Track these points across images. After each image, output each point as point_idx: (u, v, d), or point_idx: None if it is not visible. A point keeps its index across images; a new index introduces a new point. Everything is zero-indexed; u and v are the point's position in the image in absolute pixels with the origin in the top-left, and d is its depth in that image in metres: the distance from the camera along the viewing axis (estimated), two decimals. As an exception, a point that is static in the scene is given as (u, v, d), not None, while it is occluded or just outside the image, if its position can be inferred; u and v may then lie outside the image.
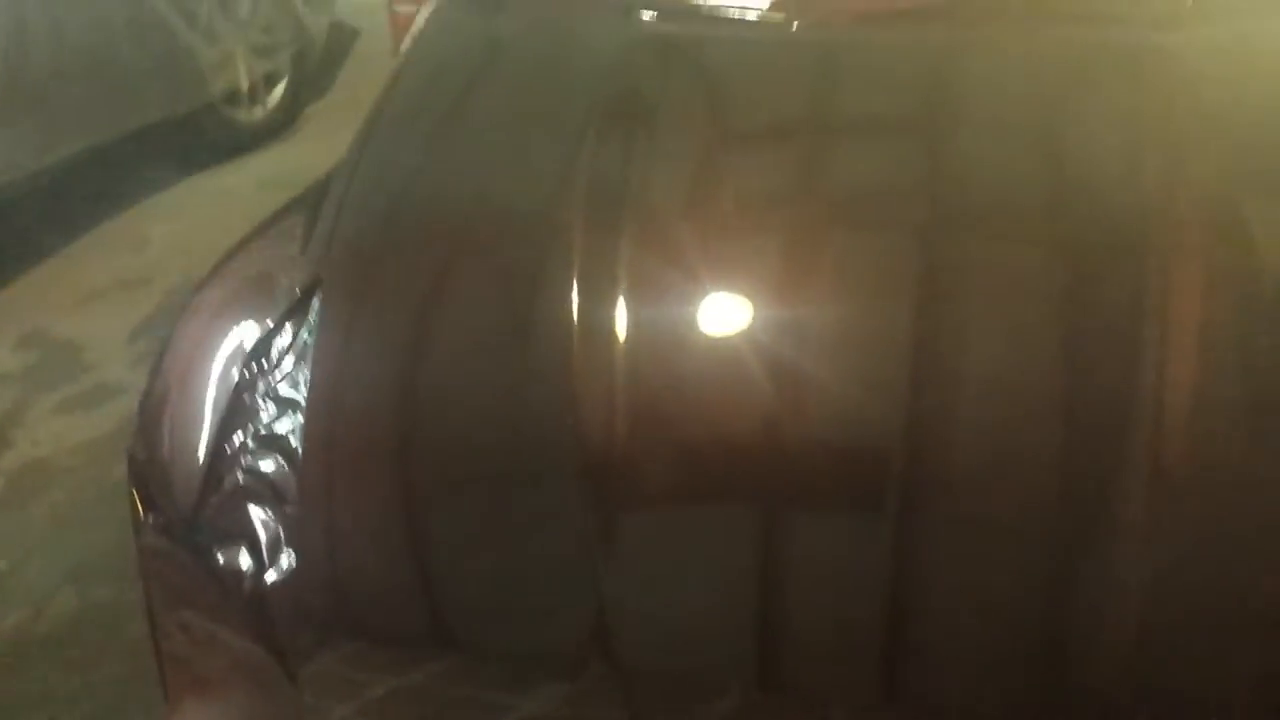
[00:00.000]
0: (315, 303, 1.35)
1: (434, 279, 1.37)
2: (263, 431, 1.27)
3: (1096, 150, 1.33)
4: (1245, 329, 1.14)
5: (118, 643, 2.12)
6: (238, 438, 1.28)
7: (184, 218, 3.76)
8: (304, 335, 1.33)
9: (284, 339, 1.34)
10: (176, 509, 1.27)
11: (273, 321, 1.36)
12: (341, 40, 4.98)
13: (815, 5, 1.59)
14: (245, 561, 1.19)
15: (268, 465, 1.25)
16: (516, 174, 1.48)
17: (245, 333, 1.37)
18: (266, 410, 1.28)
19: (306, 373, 1.29)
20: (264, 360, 1.33)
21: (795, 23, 1.57)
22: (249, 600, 1.17)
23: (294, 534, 1.17)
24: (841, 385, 1.14)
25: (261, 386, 1.31)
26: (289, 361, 1.31)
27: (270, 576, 1.16)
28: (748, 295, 1.24)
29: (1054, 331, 1.18)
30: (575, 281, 1.26)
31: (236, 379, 1.32)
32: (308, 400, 1.25)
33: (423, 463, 1.21)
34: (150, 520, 1.31)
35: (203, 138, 4.04)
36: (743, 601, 1.06)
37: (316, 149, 4.23)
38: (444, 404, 1.24)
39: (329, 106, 4.66)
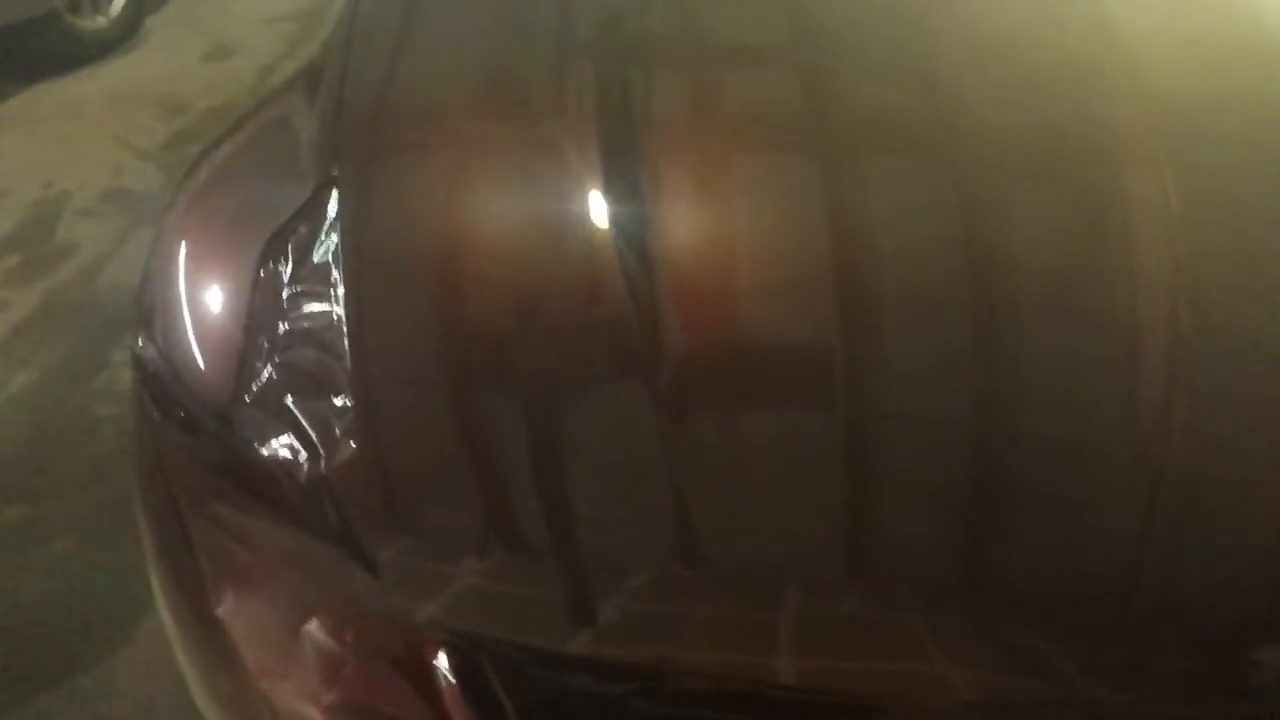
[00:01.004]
0: (332, 198, 1.34)
1: (460, 169, 1.37)
2: (296, 326, 1.26)
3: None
4: (1169, 231, 1.25)
5: (36, 560, 2.04)
6: (268, 332, 1.26)
7: (34, 128, 3.53)
8: (324, 231, 1.32)
9: (302, 235, 1.32)
10: (206, 405, 1.25)
11: (284, 218, 1.34)
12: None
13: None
14: (295, 453, 1.19)
15: (305, 358, 1.24)
16: (521, 77, 1.50)
17: (255, 230, 1.34)
18: (296, 305, 1.27)
19: (335, 268, 1.28)
20: (282, 256, 1.31)
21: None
22: (305, 491, 1.16)
23: (353, 423, 1.17)
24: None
25: (286, 281, 1.29)
26: (316, 256, 1.30)
27: (329, 466, 1.16)
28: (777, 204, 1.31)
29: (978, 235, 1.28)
30: (603, 171, 1.31)
31: (255, 274, 1.30)
32: (348, 294, 1.25)
33: (478, 358, 1.23)
34: (165, 419, 1.28)
35: (46, 46, 3.77)
36: (821, 496, 1.12)
37: (160, 61, 4.04)
38: (492, 293, 1.26)
39: (169, 19, 4.43)
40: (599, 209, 1.29)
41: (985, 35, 1.50)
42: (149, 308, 1.35)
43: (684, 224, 1.29)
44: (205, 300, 1.31)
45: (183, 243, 1.37)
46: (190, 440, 1.26)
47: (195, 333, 1.29)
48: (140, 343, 1.33)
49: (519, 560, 1.10)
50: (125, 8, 4.17)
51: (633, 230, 1.26)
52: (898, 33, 1.54)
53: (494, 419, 1.18)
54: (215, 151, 1.50)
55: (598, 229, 1.27)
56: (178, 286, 1.33)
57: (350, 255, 1.28)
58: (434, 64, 1.53)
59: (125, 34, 4.17)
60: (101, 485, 2.22)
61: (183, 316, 1.31)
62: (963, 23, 1.52)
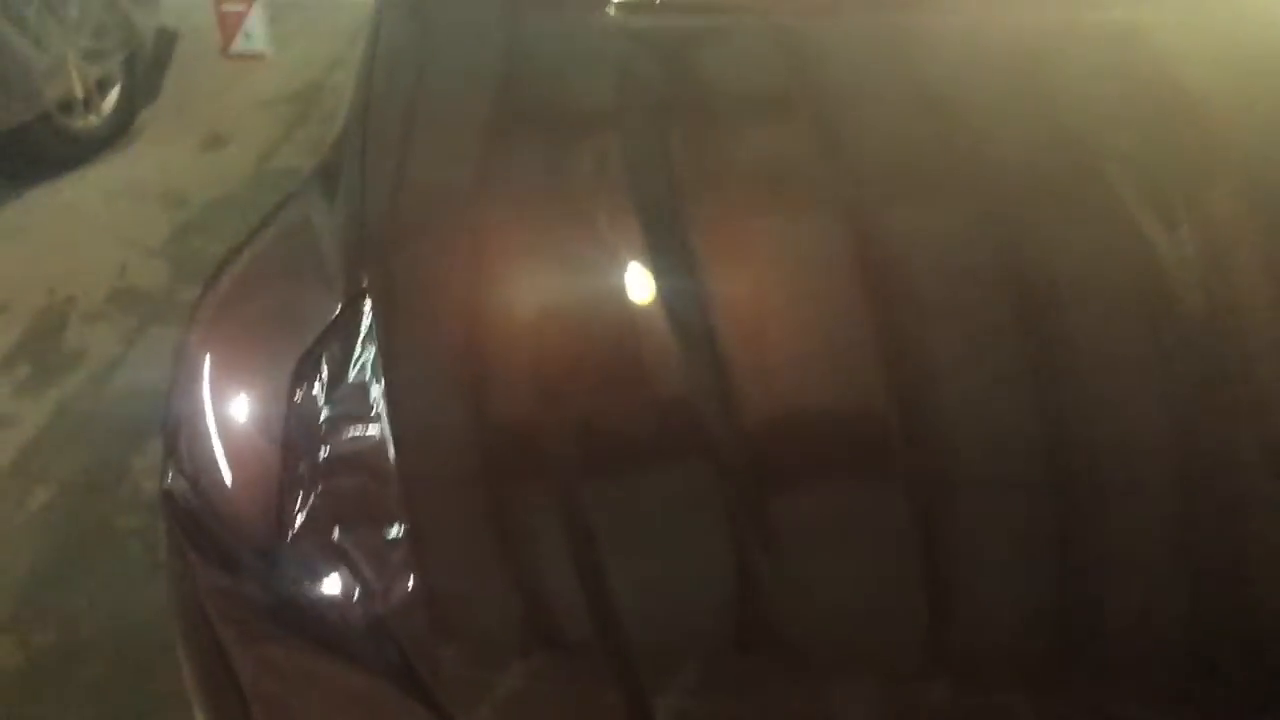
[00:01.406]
0: (365, 310, 1.28)
1: (497, 268, 1.32)
2: (337, 451, 1.20)
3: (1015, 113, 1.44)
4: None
5: (72, 686, 1.97)
6: (308, 459, 1.20)
7: (30, 236, 3.48)
8: (359, 345, 1.26)
9: (336, 351, 1.27)
10: (247, 543, 1.19)
11: (315, 334, 1.28)
12: (162, 43, 4.71)
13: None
14: (347, 591, 1.12)
15: (350, 486, 1.18)
16: (543, 156, 1.45)
17: (285, 348, 1.29)
18: (336, 428, 1.21)
19: (375, 385, 1.22)
20: (316, 376, 1.25)
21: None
22: (362, 630, 1.10)
23: (408, 553, 1.11)
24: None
25: (320, 403, 1.23)
26: (352, 374, 1.24)
27: (385, 603, 1.10)
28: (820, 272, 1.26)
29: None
30: (646, 253, 1.26)
31: (290, 397, 1.24)
32: (392, 412, 1.19)
33: (537, 460, 1.17)
34: (203, 558, 1.22)
35: (38, 149, 3.74)
36: (895, 573, 1.07)
37: (156, 155, 4.01)
38: (544, 396, 1.20)
39: (162, 111, 4.40)
40: (647, 297, 1.23)
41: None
42: (175, 436, 1.29)
43: (734, 301, 1.24)
44: (237, 427, 1.25)
45: (208, 362, 1.32)
46: (232, 581, 1.19)
47: (229, 463, 1.23)
48: (170, 477, 1.27)
49: (595, 702, 1.04)
50: (118, 103, 4.14)
51: (685, 318, 1.21)
52: (912, 77, 1.51)
53: (561, 541, 1.12)
54: (235, 261, 1.45)
55: (649, 319, 1.22)
56: (206, 412, 1.27)
57: (389, 371, 1.22)
58: (454, 156, 1.48)
59: (119, 130, 4.14)
60: (132, 602, 2.15)
61: (214, 446, 1.25)
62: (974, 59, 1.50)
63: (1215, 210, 1.32)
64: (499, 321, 1.27)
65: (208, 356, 1.32)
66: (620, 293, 1.26)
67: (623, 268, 1.27)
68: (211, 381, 1.30)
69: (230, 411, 1.26)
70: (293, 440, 1.21)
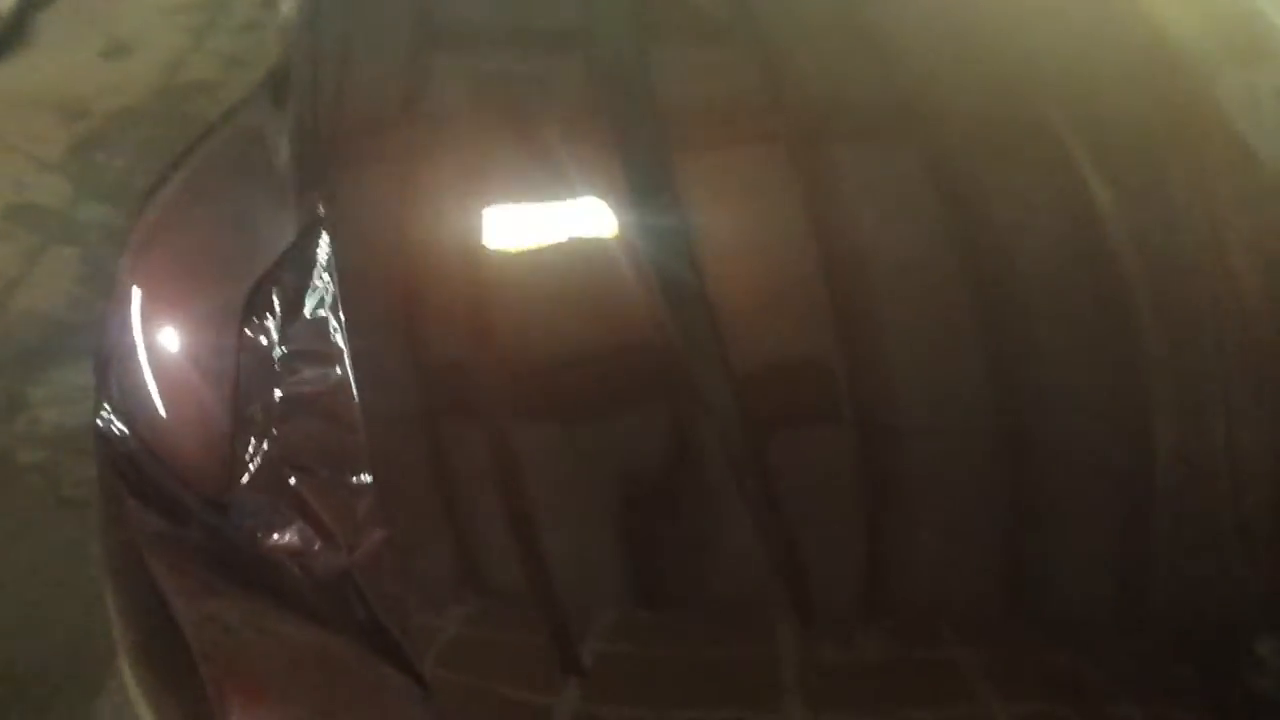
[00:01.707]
0: (322, 241, 1.18)
1: (467, 194, 1.22)
2: (294, 391, 1.11)
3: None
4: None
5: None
6: (261, 400, 1.11)
7: (-80, 141, 3.23)
8: (315, 278, 1.16)
9: (290, 282, 1.16)
10: (194, 488, 1.09)
11: (267, 263, 1.18)
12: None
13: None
14: (307, 538, 1.04)
15: (308, 427, 1.09)
16: (498, 71, 1.35)
17: (233, 275, 1.18)
18: (292, 366, 1.12)
19: (334, 321, 1.13)
20: (268, 308, 1.15)
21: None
22: (324, 581, 1.02)
23: (375, 500, 1.03)
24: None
25: (274, 338, 1.14)
26: (309, 307, 1.14)
27: (351, 550, 1.02)
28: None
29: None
30: (623, 179, 1.20)
31: (239, 332, 1.14)
32: (354, 352, 1.10)
33: (513, 411, 1.09)
34: (143, 503, 1.12)
35: (-73, 49, 3.47)
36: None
37: (57, 60, 3.75)
38: (524, 336, 1.12)
39: (60, 16, 4.12)
40: (627, 226, 1.16)
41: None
42: (107, 370, 1.18)
43: (690, 234, 1.18)
44: (181, 363, 1.15)
45: (146, 294, 1.20)
46: (177, 529, 1.10)
47: (173, 402, 1.13)
48: (103, 415, 1.16)
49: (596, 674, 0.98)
50: (15, 6, 3.86)
51: (665, 251, 1.14)
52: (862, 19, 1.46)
53: (542, 482, 1.05)
54: (172, 179, 1.32)
55: (610, 254, 1.14)
56: (145, 345, 1.16)
57: (350, 307, 1.12)
58: (416, 70, 1.36)
59: (14, 35, 3.87)
60: (33, 541, 2.02)
61: (154, 383, 1.14)
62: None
63: (1166, 163, 1.29)
64: (470, 260, 1.18)
65: (146, 282, 1.20)
66: (601, 237, 1.18)
67: (604, 206, 1.19)
68: (151, 311, 1.19)
69: (173, 345, 1.15)
70: (244, 378, 1.12)
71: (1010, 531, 1.05)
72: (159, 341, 1.16)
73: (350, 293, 1.13)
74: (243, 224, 1.24)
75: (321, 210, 1.19)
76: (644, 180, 1.20)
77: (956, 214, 1.21)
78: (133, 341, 1.17)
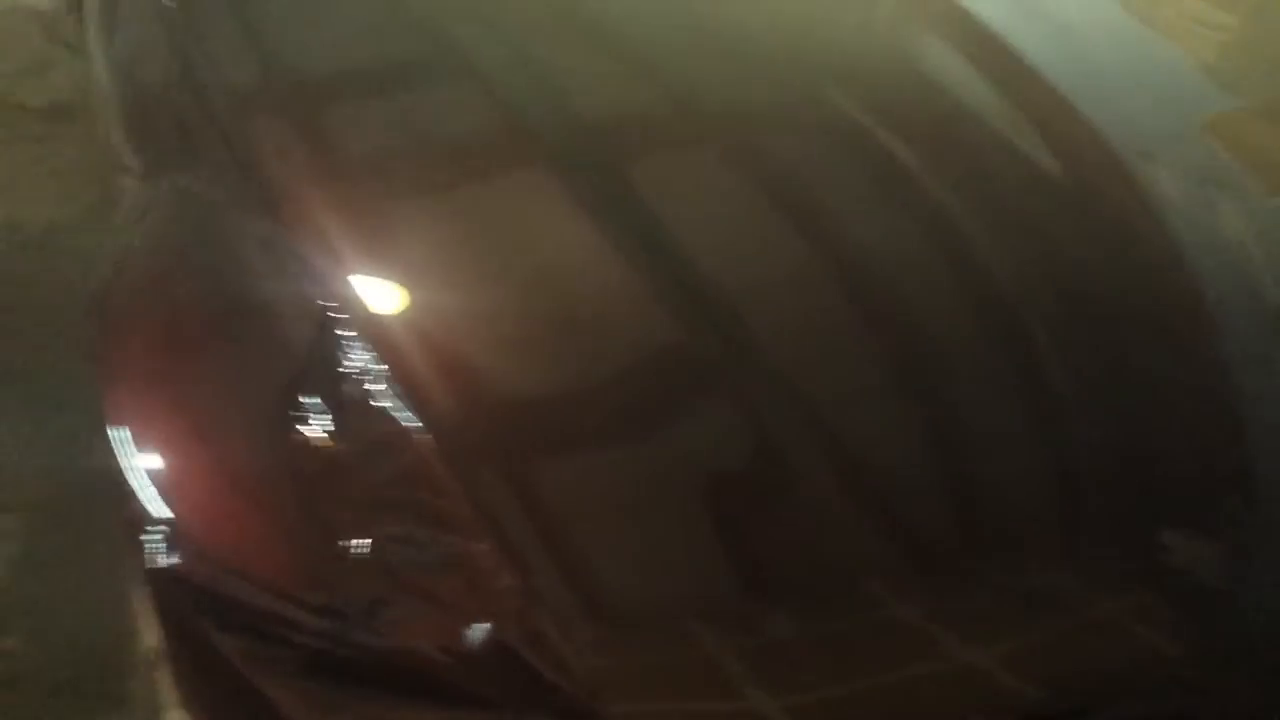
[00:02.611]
0: (355, 327, 1.16)
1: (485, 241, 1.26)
2: (373, 480, 1.08)
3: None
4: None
5: None
6: (341, 498, 1.08)
7: None
8: (359, 363, 1.14)
9: (328, 377, 1.14)
10: (296, 604, 1.05)
11: (289, 361, 1.15)
12: None
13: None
14: (437, 625, 1.02)
15: (400, 513, 1.07)
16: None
17: (263, 382, 1.15)
18: (361, 458, 1.09)
19: (393, 400, 1.11)
20: (312, 409, 1.12)
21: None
22: (471, 660, 1.01)
23: (504, 561, 1.02)
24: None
25: (333, 435, 1.11)
26: (358, 395, 1.12)
27: (497, 619, 1.01)
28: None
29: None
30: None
31: (292, 438, 1.10)
32: (430, 422, 1.08)
33: (600, 424, 1.13)
34: (238, 636, 1.06)
35: None
36: None
37: None
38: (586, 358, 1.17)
39: None
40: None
41: None
42: (152, 512, 1.11)
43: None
44: (237, 482, 1.10)
45: (167, 416, 1.15)
46: (284, 650, 1.05)
47: (241, 525, 1.08)
48: (159, 554, 1.09)
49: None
50: None
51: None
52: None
53: (656, 490, 1.09)
54: (145, 282, 1.29)
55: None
56: (186, 479, 1.11)
57: (413, 381, 1.11)
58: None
59: None
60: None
61: (215, 510, 1.09)
62: None
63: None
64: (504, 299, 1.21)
65: (169, 404, 1.16)
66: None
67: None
68: (179, 440, 1.13)
69: (226, 462, 1.11)
70: (307, 478, 1.08)
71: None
72: (207, 460, 1.11)
73: (407, 371, 1.12)
74: (247, 315, 1.21)
75: (353, 294, 1.17)
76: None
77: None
78: (173, 476, 1.11)
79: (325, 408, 1.11)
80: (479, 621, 1.01)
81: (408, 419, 1.09)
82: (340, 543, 1.05)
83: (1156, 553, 1.14)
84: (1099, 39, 1.84)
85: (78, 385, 1.58)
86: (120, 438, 1.14)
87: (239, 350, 1.20)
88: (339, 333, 1.14)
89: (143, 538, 1.09)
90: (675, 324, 1.19)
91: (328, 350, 1.14)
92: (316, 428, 1.11)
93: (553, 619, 1.00)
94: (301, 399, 1.12)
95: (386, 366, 1.12)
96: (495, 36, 1.51)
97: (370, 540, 1.05)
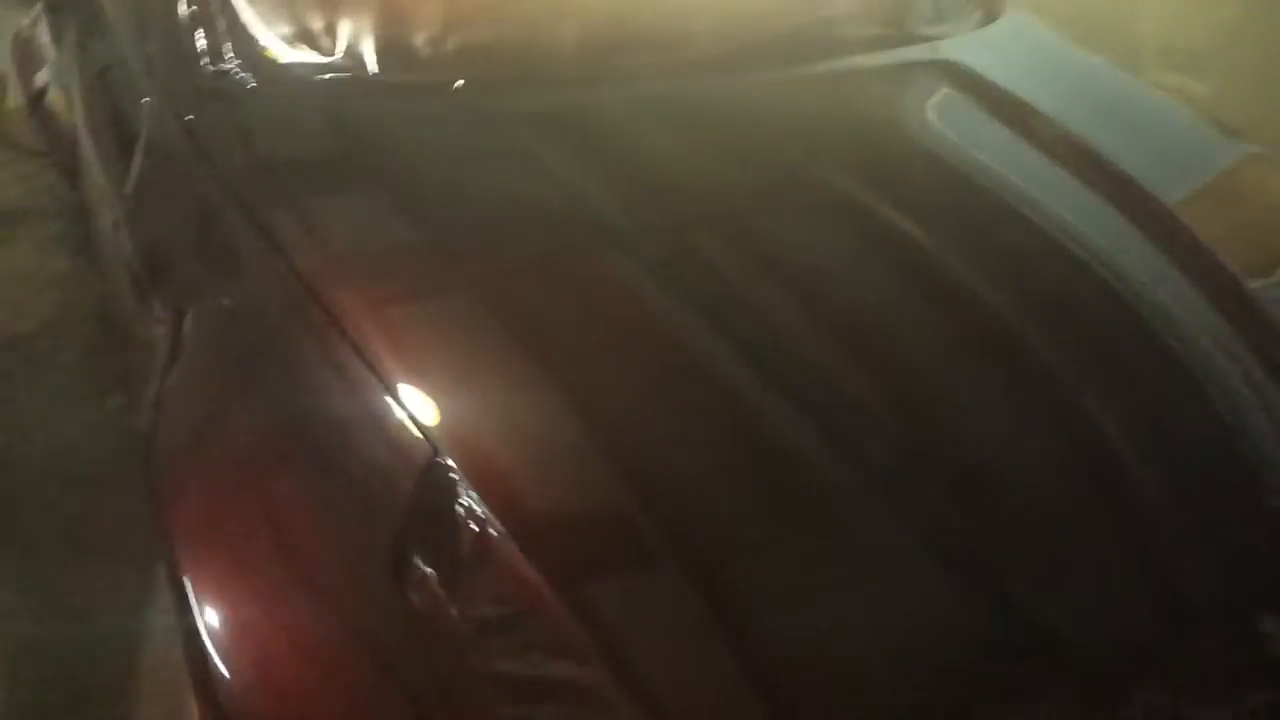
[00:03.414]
0: (449, 473, 1.06)
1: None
2: (496, 649, 0.98)
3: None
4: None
5: None
6: (457, 671, 0.97)
7: None
8: (464, 519, 1.04)
9: (432, 537, 1.04)
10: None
11: (385, 517, 1.05)
12: None
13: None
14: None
15: (512, 652, 0.98)
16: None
17: (365, 521, 1.05)
18: (480, 624, 0.99)
19: (520, 564, 1.01)
20: (417, 571, 1.02)
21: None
22: None
23: (617, 678, 0.94)
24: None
25: (444, 599, 1.00)
26: (469, 554, 1.02)
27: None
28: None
29: None
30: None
31: (399, 605, 1.00)
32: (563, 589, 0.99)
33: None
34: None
35: None
36: None
37: None
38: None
39: None
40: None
41: None
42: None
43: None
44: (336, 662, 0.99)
45: (249, 589, 1.04)
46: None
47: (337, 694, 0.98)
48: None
49: None
50: None
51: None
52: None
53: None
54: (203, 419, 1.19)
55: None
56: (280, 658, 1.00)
57: (538, 547, 1.01)
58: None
59: None
60: None
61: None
62: None
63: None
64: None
65: (238, 559, 1.07)
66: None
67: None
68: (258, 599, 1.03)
69: (315, 634, 1.01)
70: (423, 645, 0.98)
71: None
72: (297, 624, 1.01)
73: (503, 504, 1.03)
74: (329, 451, 1.12)
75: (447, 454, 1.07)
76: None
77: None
78: (262, 655, 1.00)
79: (438, 562, 1.01)
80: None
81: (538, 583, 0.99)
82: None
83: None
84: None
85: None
86: (186, 595, 1.04)
87: (323, 491, 1.10)
88: (450, 477, 1.04)
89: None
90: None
91: (435, 495, 1.04)
92: (431, 586, 1.00)
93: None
94: (410, 552, 1.02)
95: (504, 523, 1.02)
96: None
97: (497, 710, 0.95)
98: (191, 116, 1.56)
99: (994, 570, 1.06)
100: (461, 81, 1.61)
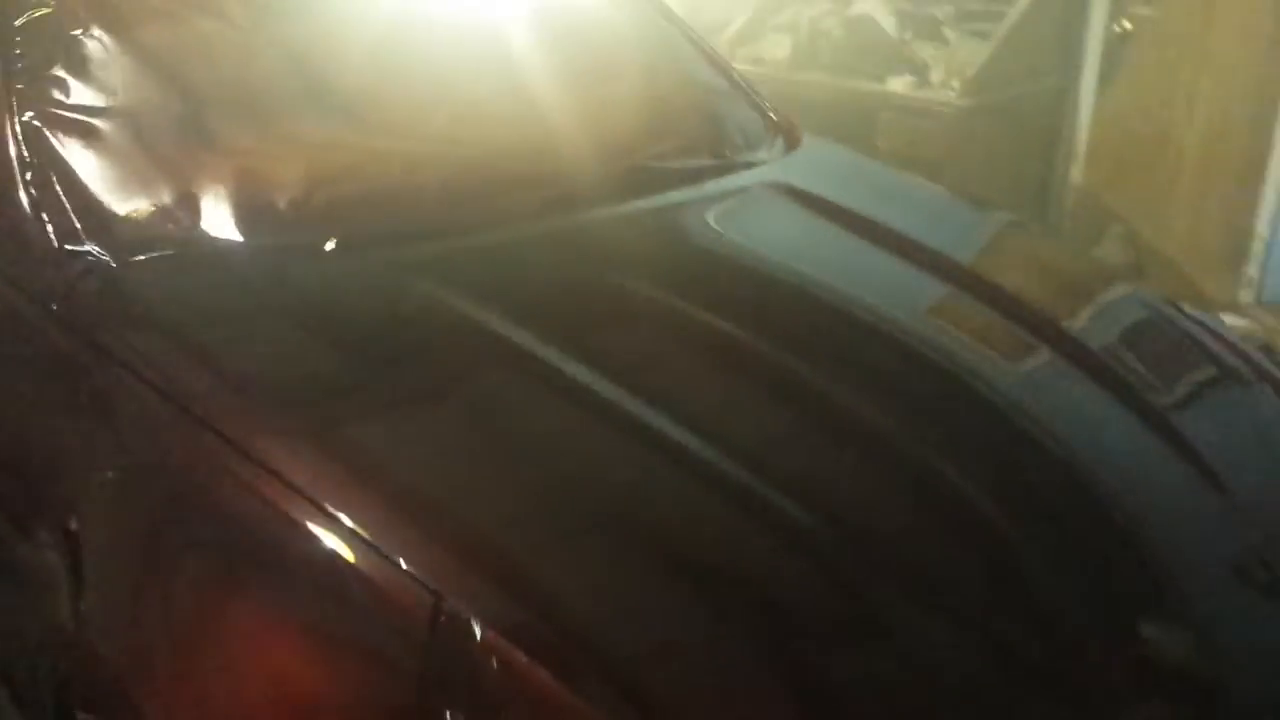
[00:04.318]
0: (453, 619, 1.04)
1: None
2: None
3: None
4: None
5: None
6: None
7: None
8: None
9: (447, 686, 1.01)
10: None
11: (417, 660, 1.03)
12: None
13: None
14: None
15: None
16: None
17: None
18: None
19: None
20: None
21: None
22: None
23: None
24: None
25: None
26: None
27: None
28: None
29: None
30: None
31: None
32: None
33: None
34: None
35: None
36: None
37: None
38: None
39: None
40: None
41: None
42: None
43: None
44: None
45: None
46: None
47: None
48: None
49: None
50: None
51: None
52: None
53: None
54: None
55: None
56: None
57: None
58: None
59: None
60: None
61: None
62: None
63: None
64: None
65: None
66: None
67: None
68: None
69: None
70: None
71: None
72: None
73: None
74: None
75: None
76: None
77: None
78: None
79: (471, 708, 0.99)
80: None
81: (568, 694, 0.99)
82: None
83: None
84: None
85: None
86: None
87: (325, 662, 1.07)
88: (462, 618, 1.03)
89: None
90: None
91: (452, 642, 1.02)
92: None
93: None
94: (439, 705, 0.99)
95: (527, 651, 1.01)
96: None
97: None
98: (55, 306, 1.48)
99: None
100: (332, 243, 1.61)
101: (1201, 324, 1.84)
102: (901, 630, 1.12)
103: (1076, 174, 4.07)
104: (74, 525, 1.28)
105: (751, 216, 1.88)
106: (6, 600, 1.46)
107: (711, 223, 1.81)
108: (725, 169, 2.01)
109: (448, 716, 0.99)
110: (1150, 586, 1.28)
